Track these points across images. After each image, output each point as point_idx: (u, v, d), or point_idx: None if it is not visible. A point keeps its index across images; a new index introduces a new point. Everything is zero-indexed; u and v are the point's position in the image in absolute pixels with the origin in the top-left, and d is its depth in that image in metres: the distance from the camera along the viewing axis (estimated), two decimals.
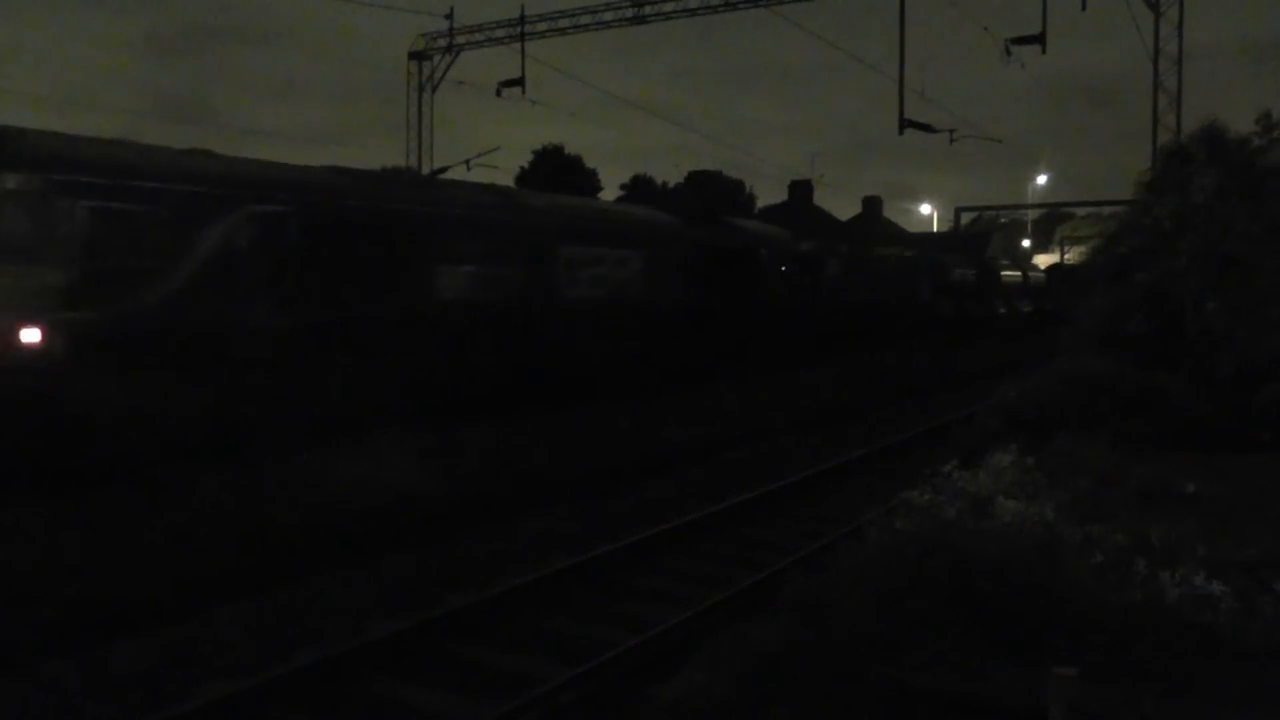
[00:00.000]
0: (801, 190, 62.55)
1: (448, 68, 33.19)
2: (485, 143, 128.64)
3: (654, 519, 11.15)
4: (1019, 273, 46.66)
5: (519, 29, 29.78)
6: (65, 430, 10.20)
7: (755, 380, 21.34)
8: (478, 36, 31.99)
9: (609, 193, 62.91)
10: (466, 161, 34.72)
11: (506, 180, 58.39)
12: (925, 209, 75.77)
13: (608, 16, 29.87)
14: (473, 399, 15.01)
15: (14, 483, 9.59)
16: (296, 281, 13.09)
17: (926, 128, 23.85)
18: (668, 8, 29.18)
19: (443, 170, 34.56)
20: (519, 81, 28.97)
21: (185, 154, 13.47)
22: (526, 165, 59.95)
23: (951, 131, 26.19)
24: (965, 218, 62.12)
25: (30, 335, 10.32)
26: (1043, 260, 65.53)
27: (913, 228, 70.08)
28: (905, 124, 22.73)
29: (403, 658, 7.41)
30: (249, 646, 7.53)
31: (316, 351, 13.18)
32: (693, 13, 28.94)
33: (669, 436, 16.02)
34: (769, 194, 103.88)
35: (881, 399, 22.36)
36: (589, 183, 60.29)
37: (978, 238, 54.91)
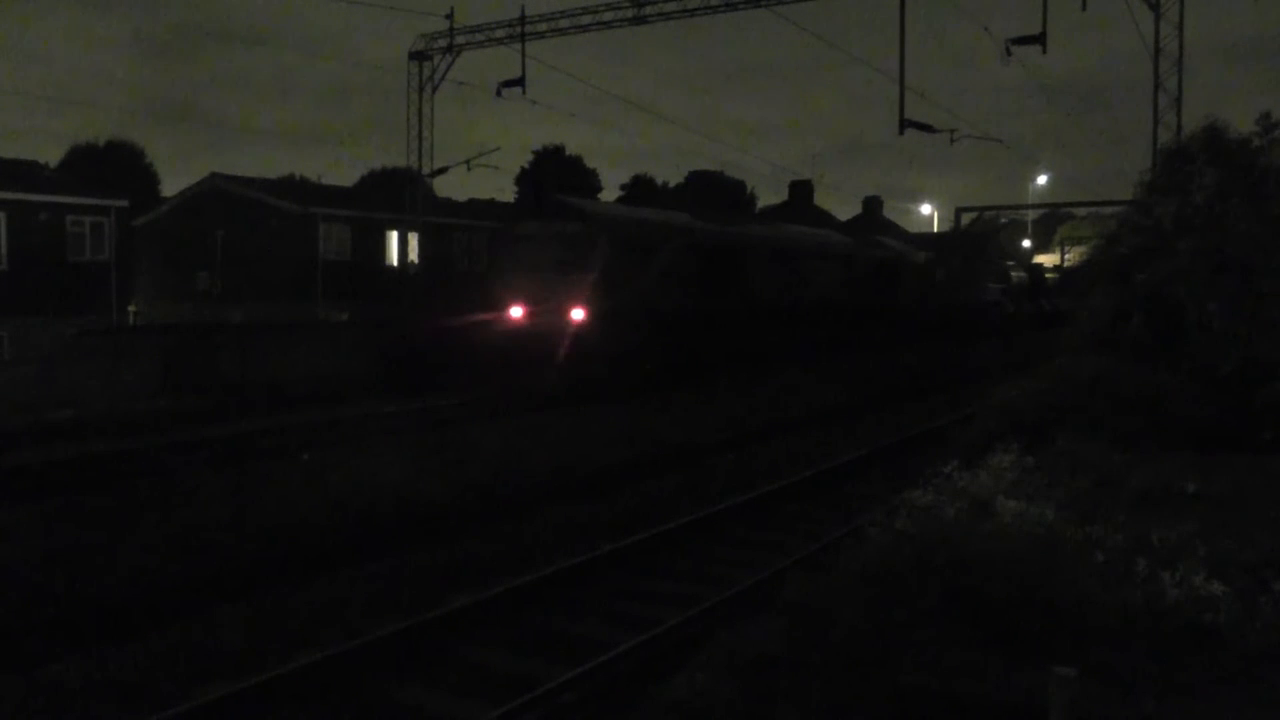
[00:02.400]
0: (802, 190, 62.57)
1: (448, 68, 33.16)
2: (485, 143, 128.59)
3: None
4: (1057, 274, 56.51)
5: (519, 29, 29.77)
6: (588, 356, 20.73)
7: (894, 355, 30.50)
8: (478, 37, 31.94)
9: (609, 193, 62.77)
10: (467, 162, 34.77)
11: (506, 181, 58.30)
12: (925, 209, 75.81)
13: (608, 16, 29.83)
14: (762, 358, 25.46)
15: (569, 385, 20.30)
16: (688, 283, 23.61)
17: (927, 128, 23.90)
18: (668, 8, 29.14)
19: (443, 170, 34.57)
20: (519, 81, 28.98)
21: (626, 207, 24.20)
22: (526, 165, 59.83)
23: (951, 131, 26.25)
24: (965, 218, 62.15)
25: (577, 314, 20.97)
26: (1041, 259, 66.40)
27: (913, 228, 70.07)
28: (905, 124, 22.78)
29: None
30: None
31: (697, 323, 23.88)
32: (693, 13, 28.89)
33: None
34: (770, 194, 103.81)
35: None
36: (589, 183, 60.12)
37: (980, 238, 56.36)
